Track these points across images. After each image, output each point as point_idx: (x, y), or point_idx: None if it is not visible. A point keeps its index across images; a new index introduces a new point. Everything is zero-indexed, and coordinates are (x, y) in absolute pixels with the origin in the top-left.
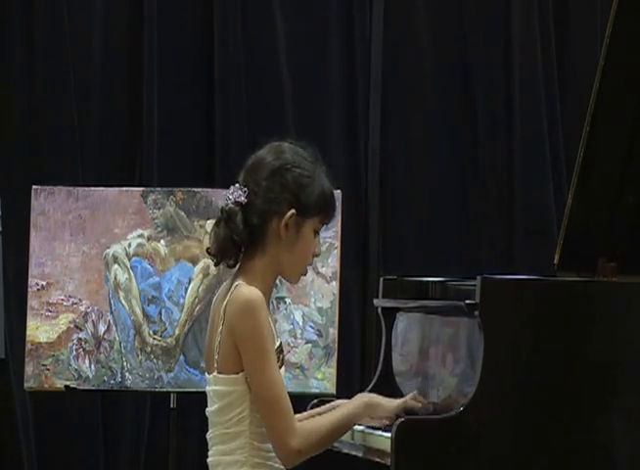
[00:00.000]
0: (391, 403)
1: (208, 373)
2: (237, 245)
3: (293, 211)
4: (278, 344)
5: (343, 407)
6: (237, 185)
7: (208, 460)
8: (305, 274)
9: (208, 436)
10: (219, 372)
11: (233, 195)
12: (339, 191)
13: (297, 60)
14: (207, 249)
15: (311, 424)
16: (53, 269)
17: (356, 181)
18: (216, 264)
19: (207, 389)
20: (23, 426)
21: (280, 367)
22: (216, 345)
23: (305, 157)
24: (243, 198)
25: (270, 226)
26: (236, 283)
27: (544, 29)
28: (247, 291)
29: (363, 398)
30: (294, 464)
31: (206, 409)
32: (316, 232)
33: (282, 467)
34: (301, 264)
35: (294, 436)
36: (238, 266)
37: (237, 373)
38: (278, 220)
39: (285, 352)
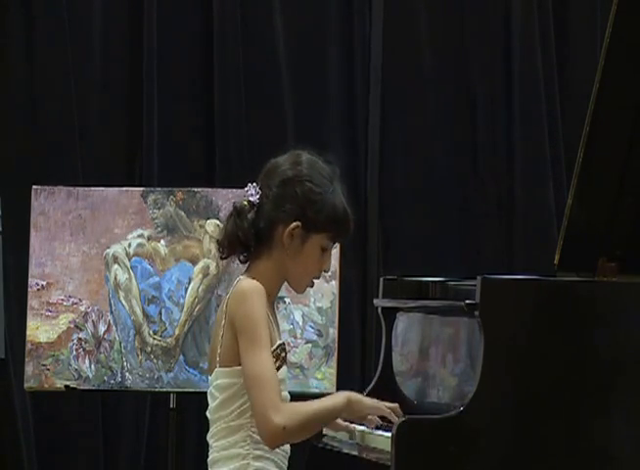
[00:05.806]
0: (372, 401)
1: (211, 373)
2: (242, 242)
3: (297, 223)
4: (280, 342)
5: (326, 398)
6: (254, 184)
7: (209, 459)
8: (312, 286)
9: (209, 435)
10: (221, 366)
11: (247, 193)
12: None
13: (296, 60)
14: (217, 240)
15: (296, 404)
16: (53, 269)
17: (356, 181)
18: (222, 258)
19: (209, 389)
20: (24, 426)
21: (280, 366)
22: (220, 339)
23: (322, 172)
24: (255, 198)
25: (276, 232)
26: (239, 278)
27: (544, 29)
28: (246, 283)
29: (344, 393)
30: (277, 443)
31: (207, 410)
32: (324, 249)
33: (284, 463)
34: (305, 276)
35: (277, 412)
36: (248, 264)
37: (239, 365)
38: (283, 229)
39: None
